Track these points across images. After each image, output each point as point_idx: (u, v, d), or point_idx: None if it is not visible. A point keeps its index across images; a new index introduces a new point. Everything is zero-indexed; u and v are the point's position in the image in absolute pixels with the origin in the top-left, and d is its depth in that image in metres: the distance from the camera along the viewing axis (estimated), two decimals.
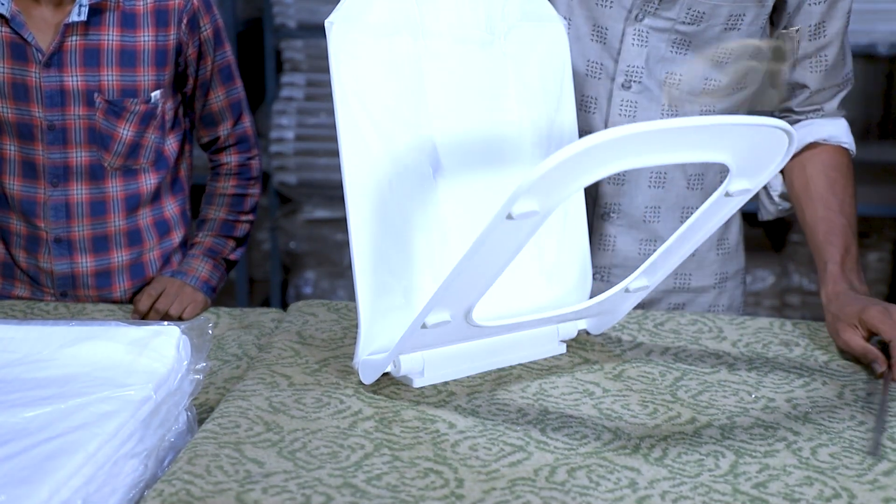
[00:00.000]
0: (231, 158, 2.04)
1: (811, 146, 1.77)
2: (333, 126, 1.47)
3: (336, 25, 1.43)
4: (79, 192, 1.90)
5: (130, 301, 1.96)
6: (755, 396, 1.44)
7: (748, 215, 2.00)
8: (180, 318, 1.86)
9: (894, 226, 3.90)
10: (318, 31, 3.76)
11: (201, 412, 1.44)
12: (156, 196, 1.96)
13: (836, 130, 1.78)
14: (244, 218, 2.06)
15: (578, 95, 1.76)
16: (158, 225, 1.98)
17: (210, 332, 1.41)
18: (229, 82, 1.99)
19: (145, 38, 1.86)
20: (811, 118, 1.79)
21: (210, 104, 1.99)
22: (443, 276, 1.48)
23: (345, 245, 3.92)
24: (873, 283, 3.86)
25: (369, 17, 1.46)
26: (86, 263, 1.93)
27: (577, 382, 1.49)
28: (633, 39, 1.70)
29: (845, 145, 1.78)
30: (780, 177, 1.82)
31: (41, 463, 1.12)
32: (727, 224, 1.86)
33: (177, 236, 2.02)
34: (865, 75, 3.99)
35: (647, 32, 1.70)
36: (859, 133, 1.88)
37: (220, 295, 2.07)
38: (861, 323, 1.55)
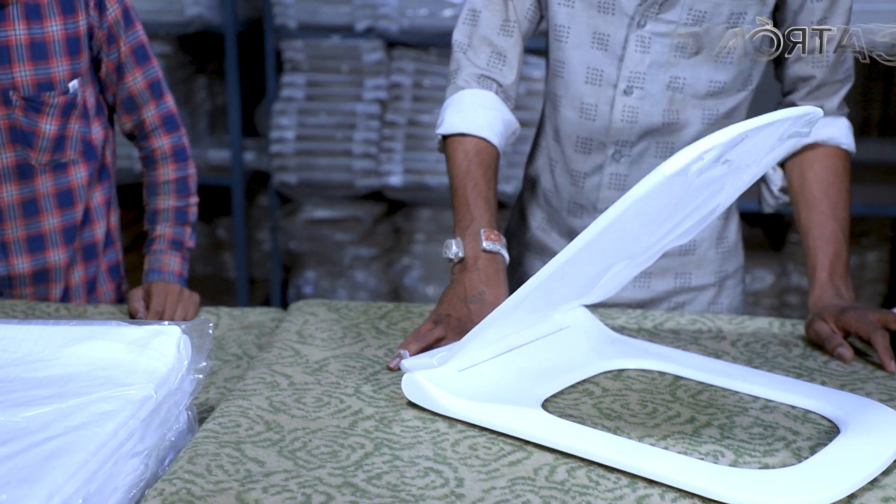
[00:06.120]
0: (163, 142, 1.98)
1: (810, 147, 1.77)
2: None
3: None
4: (9, 193, 1.85)
5: (67, 297, 1.93)
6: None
7: (747, 215, 1.99)
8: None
9: (894, 226, 3.90)
10: (318, 31, 3.76)
11: (202, 411, 1.44)
12: (88, 187, 1.92)
13: (837, 132, 1.78)
14: (192, 201, 2.01)
15: (578, 103, 1.76)
16: (84, 214, 1.93)
17: (210, 331, 1.41)
18: (145, 62, 1.93)
19: (53, 27, 1.80)
20: None
21: (129, 87, 1.92)
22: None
23: (344, 245, 3.91)
24: (873, 283, 3.85)
25: None
26: (22, 265, 1.89)
27: (577, 382, 1.49)
28: (636, 46, 1.70)
29: (844, 146, 1.78)
30: (781, 171, 1.82)
31: (41, 462, 1.12)
32: (726, 222, 1.86)
33: (99, 227, 1.96)
34: (865, 75, 3.98)
35: (650, 38, 1.70)
36: (859, 132, 1.88)
37: (220, 295, 2.04)
38: (837, 323, 1.61)
